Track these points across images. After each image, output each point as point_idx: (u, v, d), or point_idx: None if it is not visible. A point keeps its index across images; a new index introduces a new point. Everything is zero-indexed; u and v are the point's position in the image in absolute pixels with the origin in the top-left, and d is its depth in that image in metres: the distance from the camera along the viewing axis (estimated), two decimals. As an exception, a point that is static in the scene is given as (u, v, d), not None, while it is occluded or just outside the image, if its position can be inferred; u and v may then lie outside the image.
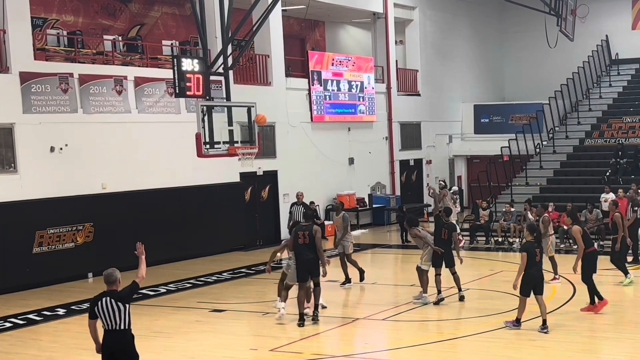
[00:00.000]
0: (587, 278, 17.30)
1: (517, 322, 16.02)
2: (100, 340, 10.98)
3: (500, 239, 27.95)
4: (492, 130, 40.63)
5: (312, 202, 27.43)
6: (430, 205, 34.84)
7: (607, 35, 41.85)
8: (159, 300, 20.07)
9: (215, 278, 23.01)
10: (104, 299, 10.83)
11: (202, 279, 22.92)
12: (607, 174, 31.02)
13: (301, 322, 16.75)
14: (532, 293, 15.76)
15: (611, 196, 26.84)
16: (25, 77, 22.18)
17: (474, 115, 41.70)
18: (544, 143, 35.56)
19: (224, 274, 23.54)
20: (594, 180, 31.25)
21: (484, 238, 28.48)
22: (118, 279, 11.00)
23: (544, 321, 15.82)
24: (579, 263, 17.22)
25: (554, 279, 20.81)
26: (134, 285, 10.95)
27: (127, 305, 10.87)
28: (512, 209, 28.32)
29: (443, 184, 30.66)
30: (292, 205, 25.46)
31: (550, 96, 37.03)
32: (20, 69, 22.10)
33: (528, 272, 15.72)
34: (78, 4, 27.28)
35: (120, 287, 11.02)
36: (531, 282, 15.78)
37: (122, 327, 10.83)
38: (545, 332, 15.65)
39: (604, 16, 41.87)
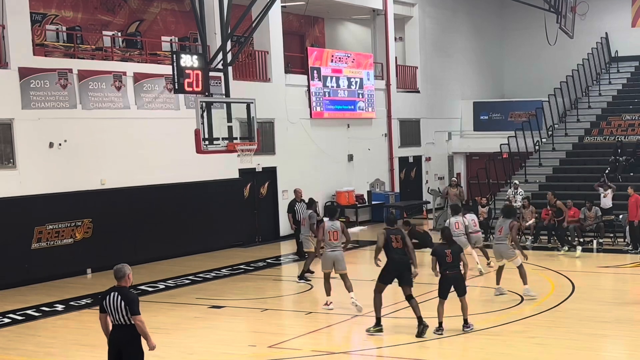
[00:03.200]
0: None
1: (439, 327, 15.69)
2: None
3: (499, 236, 27.90)
4: (492, 127, 40.63)
5: (310, 199, 27.35)
6: (429, 202, 34.87)
7: (606, 33, 41.79)
8: (157, 297, 20.07)
9: (214, 274, 23.01)
10: (112, 294, 10.90)
11: (200, 275, 22.93)
12: (607, 171, 30.99)
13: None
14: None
15: (610, 193, 26.92)
16: (25, 73, 22.15)
17: (474, 112, 41.68)
18: (544, 140, 35.51)
19: (223, 270, 23.53)
20: (593, 178, 31.17)
21: (483, 235, 28.39)
22: (127, 274, 11.04)
23: (466, 320, 15.83)
24: None
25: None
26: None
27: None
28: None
29: (455, 180, 30.68)
30: (294, 203, 25.19)
31: (549, 93, 36.98)
32: (19, 64, 22.08)
33: (442, 274, 15.72)
34: (77, -1, 27.33)
35: (130, 283, 11.10)
36: (446, 284, 15.73)
37: (128, 322, 10.86)
38: (470, 330, 15.72)
39: (604, 13, 41.84)
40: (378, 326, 16.03)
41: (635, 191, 26.00)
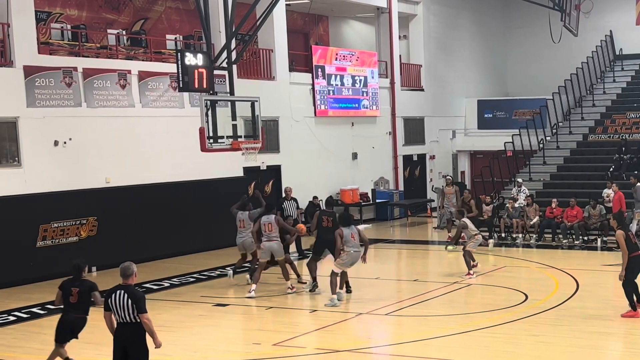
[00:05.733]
0: (628, 283, 16.49)
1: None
2: None
3: (503, 235, 27.93)
4: (496, 125, 40.61)
5: (315, 197, 27.46)
6: (433, 201, 34.88)
7: (611, 31, 41.79)
8: (162, 295, 20.10)
9: (219, 272, 23.00)
10: (117, 292, 10.96)
11: (205, 273, 22.97)
12: (611, 169, 31.02)
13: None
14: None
15: (613, 192, 26.92)
16: (29, 71, 22.21)
17: (478, 110, 41.66)
18: (548, 138, 35.58)
19: (228, 268, 23.36)
20: (598, 176, 31.27)
21: (488, 234, 28.45)
22: (134, 272, 11.14)
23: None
24: (624, 269, 16.35)
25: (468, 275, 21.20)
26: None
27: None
28: (516, 205, 28.32)
29: (450, 179, 30.60)
30: (283, 200, 25.59)
31: (554, 91, 37.02)
32: (24, 62, 22.14)
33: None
34: (82, -3, 27.39)
35: (136, 281, 11.19)
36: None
37: (134, 320, 10.93)
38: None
39: (608, 11, 41.83)
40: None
41: (620, 189, 26.20)
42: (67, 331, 13.38)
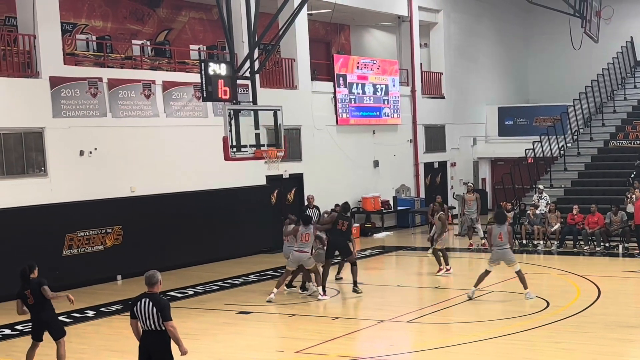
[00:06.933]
0: None
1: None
2: None
3: (524, 242, 28.01)
4: (517, 132, 40.61)
5: (337, 205, 27.45)
6: (454, 208, 34.95)
7: (631, 37, 41.72)
8: (186, 302, 20.23)
9: (242, 280, 23.18)
10: (143, 300, 11.06)
11: (229, 281, 23.11)
12: (632, 175, 31.02)
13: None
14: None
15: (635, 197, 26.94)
16: (55, 82, 22.41)
17: (498, 117, 41.68)
18: (569, 145, 35.56)
19: (251, 276, 23.68)
20: (619, 182, 31.27)
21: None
22: (159, 280, 11.23)
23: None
24: None
25: (440, 270, 22.68)
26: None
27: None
28: (537, 212, 28.37)
29: (471, 186, 30.57)
30: (305, 208, 25.73)
31: (574, 98, 37.00)
32: (50, 73, 22.33)
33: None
34: (107, 9, 27.56)
35: (161, 289, 11.31)
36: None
37: (159, 328, 11.02)
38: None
39: (629, 17, 41.84)
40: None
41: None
42: (40, 330, 14.13)
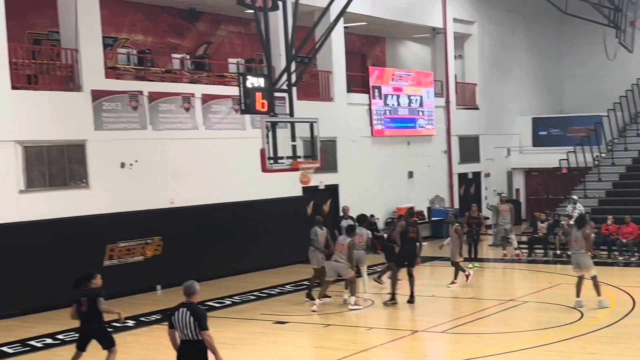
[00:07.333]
0: None
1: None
2: None
3: (558, 252, 28.07)
4: (551, 142, 40.60)
5: (372, 215, 27.77)
6: (488, 218, 35.06)
7: (666, 47, 41.65)
8: (224, 312, 20.44)
9: (279, 290, 23.37)
10: (181, 310, 11.21)
11: (265, 291, 23.30)
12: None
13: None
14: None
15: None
16: (97, 95, 22.72)
17: (533, 128, 41.66)
18: (603, 155, 35.57)
19: (287, 286, 23.81)
20: (654, 193, 31.28)
21: (543, 251, 28.64)
22: (197, 290, 11.33)
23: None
24: None
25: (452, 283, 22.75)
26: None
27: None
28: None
29: (505, 196, 30.66)
30: (340, 219, 26.11)
31: (609, 108, 37.03)
32: (92, 87, 22.64)
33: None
34: (147, 23, 27.91)
35: (199, 299, 11.45)
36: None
37: (196, 337, 11.13)
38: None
39: (664, 27, 41.71)
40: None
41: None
42: (86, 339, 14.41)
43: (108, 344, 14.39)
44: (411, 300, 20.48)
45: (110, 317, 14.59)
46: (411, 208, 22.64)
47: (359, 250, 21.73)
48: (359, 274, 22.02)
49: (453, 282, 22.90)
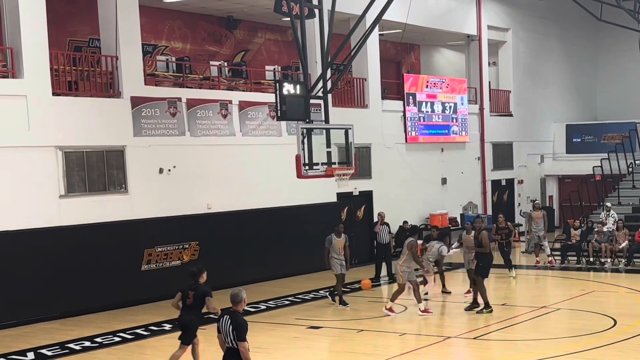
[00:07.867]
0: None
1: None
2: None
3: (591, 259, 28.10)
4: (584, 149, 40.53)
5: (405, 222, 27.86)
6: (521, 225, 35.11)
7: (701, 53, 41.54)
8: (259, 317, 20.53)
9: (313, 295, 23.48)
10: (224, 317, 11.42)
11: (300, 296, 23.42)
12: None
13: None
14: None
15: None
16: (136, 102, 23.01)
17: (566, 134, 41.62)
18: (637, 162, 35.46)
19: (321, 291, 23.82)
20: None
21: (576, 258, 28.65)
22: (243, 299, 11.53)
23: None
24: None
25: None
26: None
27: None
28: (605, 229, 28.47)
29: (538, 203, 30.64)
30: (375, 225, 26.37)
31: (643, 115, 37.01)
32: (131, 93, 22.94)
33: None
34: (186, 31, 28.28)
35: (244, 307, 11.66)
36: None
37: (235, 346, 11.29)
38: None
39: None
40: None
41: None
42: (185, 330, 14.85)
43: (190, 339, 14.85)
44: (482, 310, 20.33)
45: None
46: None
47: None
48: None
49: (469, 292, 22.51)
